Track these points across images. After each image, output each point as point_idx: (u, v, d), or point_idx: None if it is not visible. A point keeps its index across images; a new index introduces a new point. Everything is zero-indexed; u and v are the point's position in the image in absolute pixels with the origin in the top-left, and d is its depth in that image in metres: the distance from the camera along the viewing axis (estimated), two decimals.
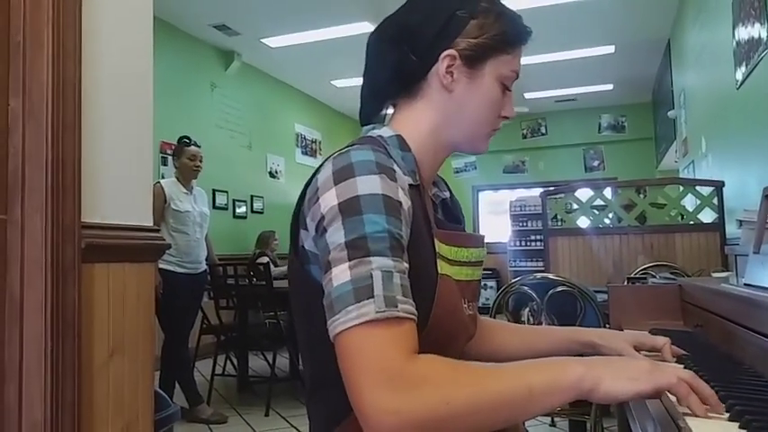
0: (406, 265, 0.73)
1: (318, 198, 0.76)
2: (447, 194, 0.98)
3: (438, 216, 0.92)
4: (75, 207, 1.13)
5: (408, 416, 0.63)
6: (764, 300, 0.92)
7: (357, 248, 0.70)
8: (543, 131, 9.26)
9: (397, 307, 0.68)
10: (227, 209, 6.31)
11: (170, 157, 3.97)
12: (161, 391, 1.59)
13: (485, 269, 9.02)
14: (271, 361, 3.91)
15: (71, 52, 1.13)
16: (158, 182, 3.54)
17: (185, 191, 3.59)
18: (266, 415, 3.58)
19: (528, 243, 7.93)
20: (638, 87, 7.93)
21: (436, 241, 0.83)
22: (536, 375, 0.68)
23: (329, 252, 0.72)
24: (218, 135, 6.24)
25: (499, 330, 1.07)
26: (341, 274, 0.69)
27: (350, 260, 0.69)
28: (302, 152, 7.96)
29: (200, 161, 3.63)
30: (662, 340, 1.01)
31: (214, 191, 6.02)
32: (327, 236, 0.73)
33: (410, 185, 0.81)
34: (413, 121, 0.89)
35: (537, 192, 8.81)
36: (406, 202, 0.77)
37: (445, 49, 0.85)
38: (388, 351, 0.66)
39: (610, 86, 7.90)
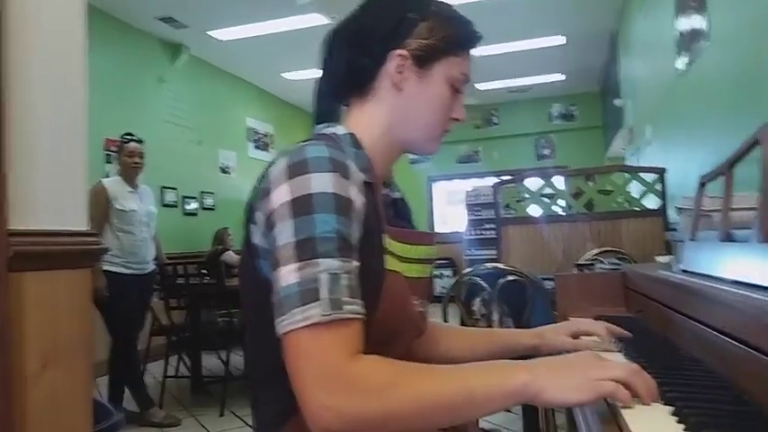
0: (356, 263, 0.74)
1: (270, 192, 0.76)
2: (398, 195, 0.99)
3: (389, 215, 0.93)
4: (2, 213, 1.07)
5: (347, 415, 0.66)
6: (699, 287, 0.94)
7: (305, 249, 0.71)
8: (495, 121, 9.37)
9: (342, 309, 0.69)
10: (176, 206, 6.16)
11: (114, 155, 3.86)
12: (103, 401, 1.53)
13: (441, 258, 9.08)
14: (225, 359, 3.84)
15: None
16: (100, 181, 3.42)
17: (130, 189, 3.48)
18: (221, 415, 3.52)
19: (483, 232, 8.02)
20: (588, 77, 8.11)
21: (387, 238, 0.83)
22: (479, 380, 0.70)
23: (277, 249, 0.73)
24: (167, 130, 6.07)
25: (445, 334, 1.09)
26: (288, 275, 0.70)
27: (298, 261, 0.70)
28: (255, 146, 7.84)
29: (141, 157, 3.51)
30: (599, 326, 1.04)
31: (162, 188, 5.86)
32: (276, 231, 0.73)
33: (364, 182, 0.81)
34: (365, 121, 0.90)
35: (491, 181, 8.93)
36: (358, 199, 0.77)
37: (396, 48, 0.87)
38: (330, 353, 0.68)
39: (562, 76, 8.04)
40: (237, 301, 3.66)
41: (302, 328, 0.68)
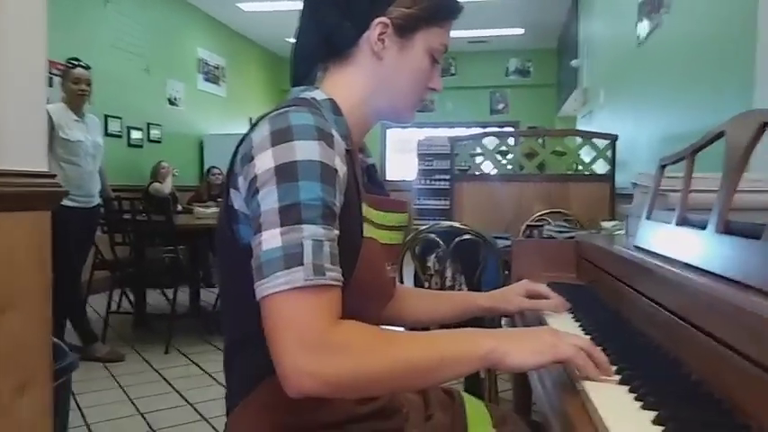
0: (337, 232, 0.75)
1: (253, 157, 0.75)
2: (371, 160, 1.00)
3: (365, 181, 0.93)
4: None
5: (325, 378, 0.67)
6: (652, 266, 1.00)
7: (290, 215, 0.71)
8: (453, 72, 9.33)
9: (324, 275, 0.70)
10: (121, 136, 5.92)
11: (55, 78, 3.63)
12: (58, 341, 1.51)
13: None
14: (171, 297, 3.81)
15: None
16: None
17: (76, 118, 3.31)
18: (166, 352, 3.52)
19: (433, 182, 8.10)
20: (547, 33, 8.13)
21: (364, 205, 0.84)
22: (448, 346, 0.74)
23: (260, 214, 0.72)
24: (113, 56, 5.76)
25: (409, 295, 1.14)
26: (271, 239, 0.70)
27: (282, 225, 0.70)
28: (204, 78, 7.56)
29: (87, 84, 3.34)
30: (545, 288, 1.15)
31: (106, 116, 5.61)
32: (260, 197, 0.73)
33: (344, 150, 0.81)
34: (344, 86, 0.89)
35: (444, 131, 8.98)
36: (341, 169, 0.77)
37: (378, 16, 0.86)
38: (311, 317, 0.69)
39: (521, 30, 8.03)
40: (185, 238, 3.59)
41: (284, 291, 0.68)
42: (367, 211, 0.85)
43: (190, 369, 3.25)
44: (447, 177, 7.39)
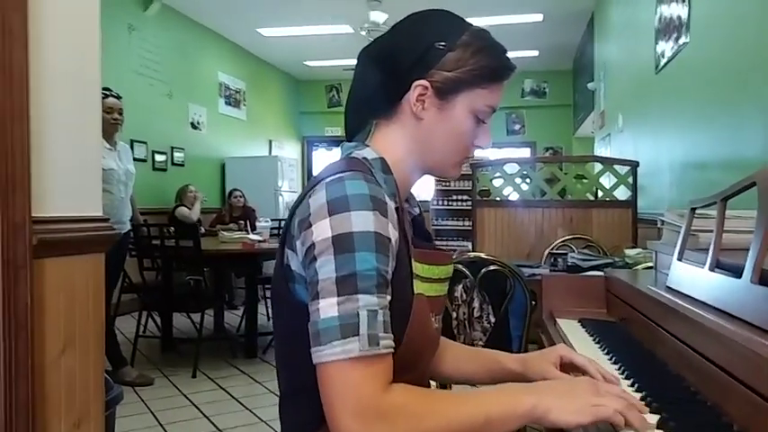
0: (389, 297, 0.79)
1: (311, 225, 0.79)
2: (417, 211, 1.02)
3: (411, 235, 0.95)
4: (26, 202, 1.08)
5: None
6: (688, 311, 1.03)
7: (346, 285, 0.75)
8: None
9: (378, 345, 0.74)
10: (146, 161, 6.05)
11: None
12: (106, 375, 1.57)
13: None
14: (196, 320, 3.87)
15: (18, 37, 1.05)
16: None
17: (108, 146, 3.40)
18: (193, 376, 3.58)
19: (450, 203, 8.12)
20: (561, 55, 8.19)
21: (412, 261, 0.87)
22: (493, 405, 0.77)
23: (318, 282, 0.76)
24: (137, 82, 5.91)
25: (450, 350, 1.11)
26: (329, 308, 0.74)
27: (339, 295, 0.74)
28: (225, 102, 7.70)
29: (120, 114, 3.44)
30: (582, 360, 1.01)
31: (132, 141, 5.73)
32: (318, 265, 0.77)
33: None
34: (390, 143, 0.93)
35: None
36: (394, 236, 0.81)
37: (419, 78, 0.88)
38: (366, 386, 0.73)
39: (535, 52, 8.10)
40: (209, 262, 3.64)
41: (341, 360, 0.72)
42: (414, 265, 0.87)
43: (217, 394, 3.30)
44: (465, 198, 7.43)
